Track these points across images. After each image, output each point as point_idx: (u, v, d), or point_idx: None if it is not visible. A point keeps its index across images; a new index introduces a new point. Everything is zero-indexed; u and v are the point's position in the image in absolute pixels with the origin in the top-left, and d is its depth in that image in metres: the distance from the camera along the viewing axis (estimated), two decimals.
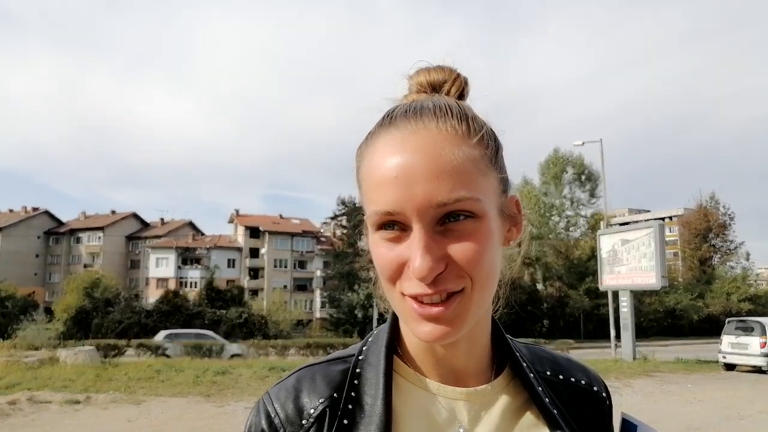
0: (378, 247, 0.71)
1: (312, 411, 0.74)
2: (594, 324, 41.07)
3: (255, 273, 67.69)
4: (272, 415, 0.75)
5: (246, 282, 62.90)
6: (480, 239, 0.68)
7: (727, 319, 21.02)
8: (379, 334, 0.83)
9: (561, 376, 0.86)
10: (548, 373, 0.86)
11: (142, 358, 21.08)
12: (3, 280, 43.62)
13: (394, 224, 0.68)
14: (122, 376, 14.27)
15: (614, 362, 19.94)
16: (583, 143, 29.25)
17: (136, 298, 42.83)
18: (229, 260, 67.97)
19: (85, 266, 69.75)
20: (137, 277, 72.57)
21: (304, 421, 0.74)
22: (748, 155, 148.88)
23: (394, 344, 0.82)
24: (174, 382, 13.85)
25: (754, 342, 17.90)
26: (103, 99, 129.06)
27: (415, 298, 0.68)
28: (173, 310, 36.43)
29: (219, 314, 37.46)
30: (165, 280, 64.76)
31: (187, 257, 68.01)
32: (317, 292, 63.50)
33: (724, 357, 18.68)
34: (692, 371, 17.93)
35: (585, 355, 23.89)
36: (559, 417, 0.78)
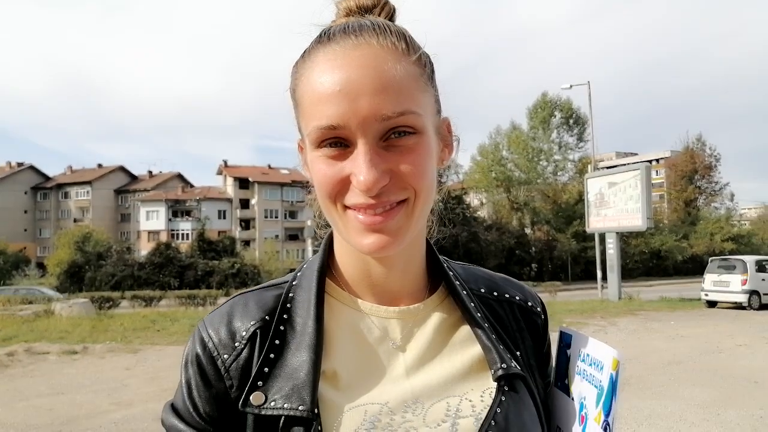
0: (318, 164, 0.71)
1: (244, 333, 0.75)
2: (581, 266, 41.82)
3: (246, 224, 67.76)
4: (206, 340, 0.76)
5: (237, 233, 63.02)
6: (422, 153, 0.70)
7: (710, 259, 21.48)
8: (313, 260, 0.85)
9: (495, 293, 0.87)
10: (482, 290, 0.87)
11: (136, 309, 21.33)
12: None
13: (336, 141, 0.68)
14: (118, 327, 14.47)
15: (600, 302, 20.43)
16: (571, 86, 29.01)
17: (128, 251, 42.87)
18: (219, 211, 67.85)
19: (75, 221, 69.43)
20: (128, 230, 72.44)
21: (236, 344, 0.75)
22: (735, 97, 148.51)
23: (327, 268, 0.83)
24: (170, 331, 14.06)
25: (735, 279, 18.37)
26: (84, 51, 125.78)
27: (358, 210, 0.70)
28: (166, 262, 36.61)
29: (211, 265, 37.71)
30: (156, 232, 64.74)
31: (177, 209, 67.80)
32: (309, 242, 63.76)
33: (707, 295, 19.19)
34: (675, 309, 18.43)
35: (572, 296, 24.41)
36: (491, 330, 0.80)
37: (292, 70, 0.76)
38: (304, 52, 0.74)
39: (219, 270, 37.58)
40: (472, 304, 0.82)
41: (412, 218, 0.71)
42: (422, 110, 0.70)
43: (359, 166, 0.66)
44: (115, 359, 10.47)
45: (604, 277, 22.96)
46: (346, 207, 0.71)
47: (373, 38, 0.69)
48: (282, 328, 0.76)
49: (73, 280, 35.35)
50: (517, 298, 0.89)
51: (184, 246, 44.58)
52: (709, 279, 19.29)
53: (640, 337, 12.55)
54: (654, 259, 45.15)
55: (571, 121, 48.30)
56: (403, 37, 0.71)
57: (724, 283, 18.68)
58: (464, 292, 0.83)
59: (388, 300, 0.80)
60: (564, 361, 0.86)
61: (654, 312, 17.38)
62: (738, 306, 18.35)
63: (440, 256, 0.87)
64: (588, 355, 0.80)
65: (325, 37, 0.72)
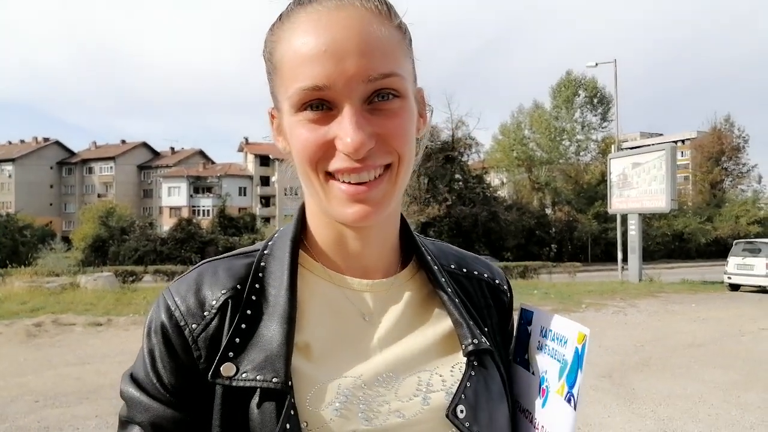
0: (298, 128, 0.69)
1: (214, 302, 0.72)
2: (602, 248, 41.41)
3: (266, 201, 68.23)
4: (172, 309, 0.72)
5: (258, 210, 63.51)
6: (406, 118, 0.70)
7: (734, 241, 21.13)
8: (286, 229, 0.82)
9: (465, 270, 0.88)
10: (453, 266, 0.87)
11: (159, 284, 21.68)
12: (20, 210, 44.37)
13: (319, 104, 0.67)
14: (141, 301, 14.71)
15: (620, 284, 20.27)
16: (597, 64, 28.47)
17: (150, 227, 43.45)
18: (240, 188, 68.39)
19: (99, 196, 70.58)
20: (150, 206, 73.46)
21: (206, 313, 0.72)
22: (766, 75, 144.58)
23: (300, 238, 0.81)
24: None
25: (760, 263, 18.05)
26: (109, 26, 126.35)
27: (341, 175, 0.68)
28: (187, 238, 37.02)
29: (232, 241, 38.02)
30: (178, 208, 65.51)
31: (199, 186, 68.47)
32: None
33: (730, 278, 18.89)
34: (697, 292, 18.22)
35: (592, 277, 24.25)
36: (461, 306, 0.80)
37: (267, 34, 0.74)
38: (281, 15, 0.73)
39: (239, 246, 37.52)
40: (443, 279, 0.82)
41: (396, 185, 0.71)
42: (405, 74, 0.70)
43: (345, 128, 0.65)
44: (139, 331, 10.56)
45: (625, 259, 22.75)
46: (328, 175, 0.70)
47: (356, 0, 0.68)
48: (254, 298, 0.74)
49: (98, 254, 35.99)
50: (486, 275, 0.90)
51: (205, 222, 45.00)
52: (733, 262, 18.97)
53: (661, 319, 12.46)
54: (676, 242, 44.52)
55: (596, 101, 47.55)
56: (384, 1, 0.71)
57: (748, 267, 18.37)
58: (436, 267, 0.83)
59: (361, 273, 0.80)
60: (524, 337, 0.87)
61: (675, 294, 17.21)
62: (762, 290, 18.05)
63: (413, 231, 0.86)
64: (550, 330, 0.81)
65: None
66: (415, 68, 0.76)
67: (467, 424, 0.72)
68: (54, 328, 10.76)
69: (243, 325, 0.71)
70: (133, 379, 0.73)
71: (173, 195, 68.08)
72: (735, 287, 18.79)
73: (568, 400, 0.74)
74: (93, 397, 6.44)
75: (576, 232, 42.15)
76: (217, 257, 0.80)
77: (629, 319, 12.35)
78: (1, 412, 5.91)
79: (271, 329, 0.71)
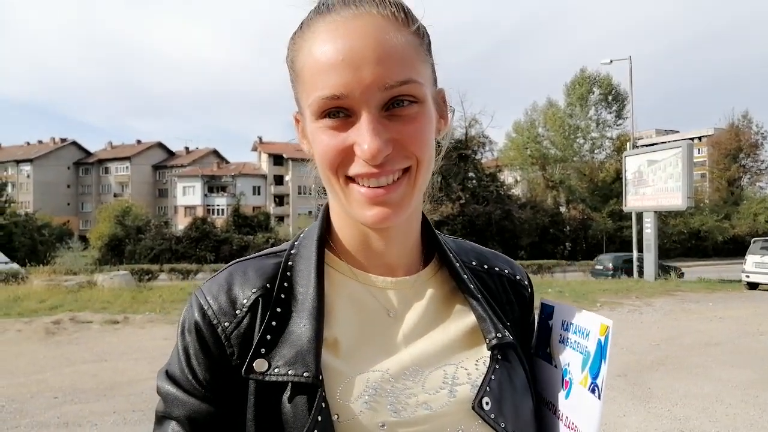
0: (319, 135, 0.71)
1: (245, 301, 0.75)
2: (617, 246, 41.04)
3: (280, 200, 68.48)
4: (205, 308, 0.75)
5: (272, 209, 63.77)
6: (424, 122, 0.71)
7: (752, 239, 20.86)
8: (311, 229, 0.85)
9: (486, 266, 0.90)
10: (474, 263, 0.89)
11: (174, 282, 21.86)
12: (38, 210, 44.95)
13: (338, 111, 0.69)
14: (157, 299, 14.84)
15: (636, 282, 20.10)
16: (611, 61, 28.22)
17: (165, 226, 43.79)
18: (254, 187, 68.71)
19: (115, 195, 71.28)
20: (165, 205, 74.04)
21: (237, 311, 0.74)
22: None
23: (326, 238, 0.83)
24: None
25: None
26: (121, 28, 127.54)
27: (361, 179, 0.70)
28: (202, 237, 37.28)
29: (246, 240, 38.25)
30: (192, 207, 65.98)
31: (213, 185, 68.90)
32: None
33: (748, 276, 18.62)
34: (714, 290, 17.98)
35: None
36: (484, 301, 0.82)
37: (289, 42, 0.77)
38: (302, 23, 0.75)
39: (254, 245, 38.07)
40: (465, 276, 0.84)
41: (415, 188, 0.73)
42: (423, 80, 0.71)
43: (363, 135, 0.67)
44: (155, 329, 10.79)
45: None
46: (348, 179, 0.72)
47: (373, 8, 0.70)
48: (283, 296, 0.76)
49: (114, 253, 36.38)
50: (506, 271, 0.92)
51: (219, 221, 45.26)
52: (751, 260, 18.70)
53: (677, 318, 12.33)
54: (693, 240, 44.05)
55: (610, 98, 47.23)
56: (402, 7, 0.72)
57: (766, 265, 18.13)
58: (458, 263, 0.85)
59: (385, 271, 0.82)
60: (545, 331, 0.89)
61: (692, 293, 17.00)
62: None
63: (434, 228, 0.88)
64: (572, 323, 0.84)
65: (324, 7, 0.72)
66: (435, 71, 0.77)
67: (492, 416, 0.74)
68: (72, 325, 10.89)
69: (273, 323, 0.74)
70: (169, 376, 0.76)
71: (188, 194, 68.59)
72: (753, 286, 18.51)
73: (592, 391, 0.76)
74: (110, 394, 6.52)
75: (590, 231, 41.88)
76: (245, 258, 0.83)
77: (645, 318, 12.24)
78: (22, 408, 6.00)
79: (300, 326, 0.73)
